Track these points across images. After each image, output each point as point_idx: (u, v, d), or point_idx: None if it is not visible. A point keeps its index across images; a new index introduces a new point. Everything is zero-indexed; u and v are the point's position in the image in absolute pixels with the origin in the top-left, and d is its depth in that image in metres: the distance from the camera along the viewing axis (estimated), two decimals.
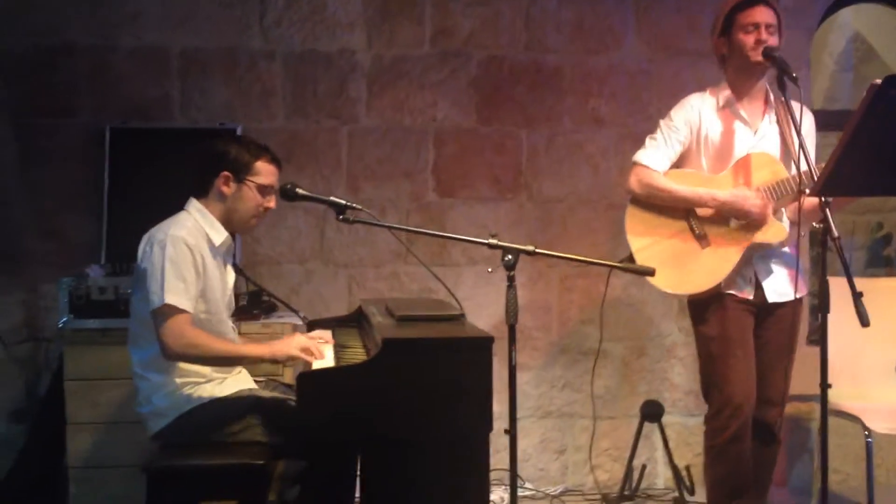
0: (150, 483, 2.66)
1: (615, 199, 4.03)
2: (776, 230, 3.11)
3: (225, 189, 2.87)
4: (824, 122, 3.98)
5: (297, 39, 4.08)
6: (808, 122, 3.17)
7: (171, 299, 2.69)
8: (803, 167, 2.89)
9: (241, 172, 2.86)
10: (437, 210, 4.16)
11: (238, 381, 2.98)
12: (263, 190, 2.90)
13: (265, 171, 2.90)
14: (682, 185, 3.17)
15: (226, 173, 2.86)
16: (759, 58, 3.07)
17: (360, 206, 2.79)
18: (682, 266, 3.17)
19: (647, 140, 3.26)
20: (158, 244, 2.74)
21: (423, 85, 4.14)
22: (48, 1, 3.93)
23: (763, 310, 3.17)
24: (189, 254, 2.75)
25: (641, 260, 3.16)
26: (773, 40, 3.09)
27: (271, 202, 2.93)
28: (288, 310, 3.60)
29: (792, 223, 3.16)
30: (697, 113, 3.22)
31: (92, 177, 3.87)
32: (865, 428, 3.31)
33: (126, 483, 3.27)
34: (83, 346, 3.44)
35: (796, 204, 2.93)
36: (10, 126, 3.93)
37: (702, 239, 3.17)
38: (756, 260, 3.16)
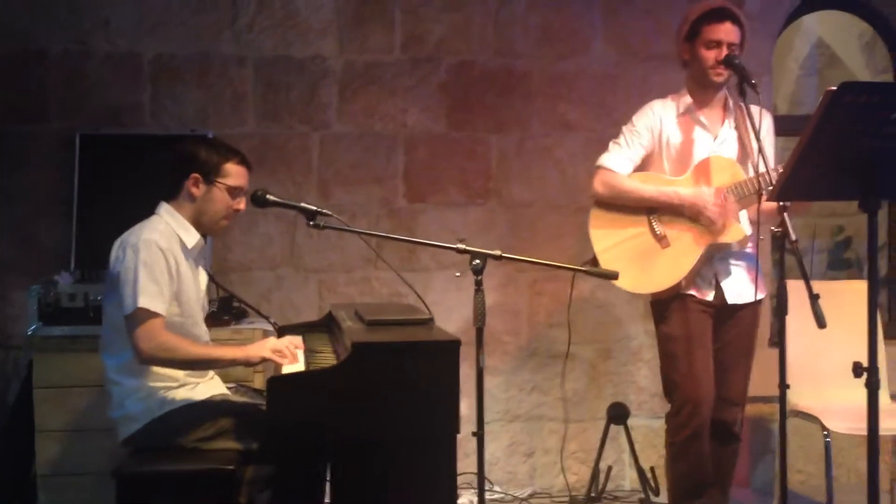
0: (120, 489, 2.66)
1: (584, 203, 4.02)
2: (734, 231, 3.18)
3: (194, 190, 2.88)
4: (789, 126, 4.06)
5: (268, 45, 4.10)
6: (766, 125, 3.24)
7: (144, 303, 2.70)
8: (762, 170, 2.97)
9: (210, 174, 2.88)
10: (407, 215, 4.19)
11: (210, 387, 2.99)
12: (233, 192, 2.91)
13: (235, 173, 2.91)
14: (646, 185, 3.23)
15: (195, 175, 2.87)
16: (717, 79, 3.16)
17: (330, 212, 2.83)
18: (643, 266, 3.23)
19: (611, 144, 3.33)
20: (131, 248, 2.76)
21: (394, 90, 4.18)
22: (20, 6, 3.93)
23: (723, 311, 3.24)
24: (162, 256, 2.76)
25: (604, 261, 3.23)
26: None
27: (241, 204, 2.95)
28: (258, 316, 3.60)
29: (752, 223, 3.23)
30: (659, 118, 3.29)
31: (63, 183, 3.86)
32: (824, 428, 3.38)
33: (95, 490, 3.26)
34: (53, 354, 3.43)
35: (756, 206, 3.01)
36: None
37: (662, 239, 3.23)
38: (716, 261, 3.22)
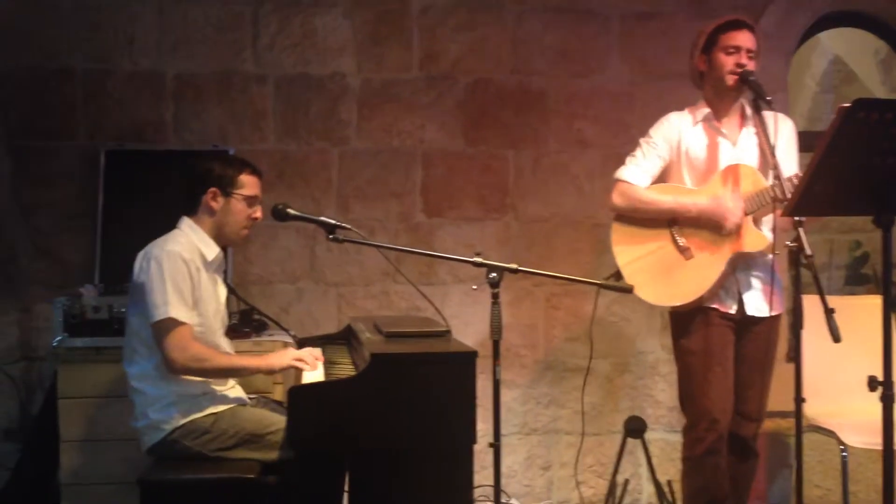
0: (144, 497, 2.72)
1: (599, 219, 4.11)
2: (757, 239, 3.17)
3: (213, 204, 2.98)
4: (806, 143, 4.06)
5: (288, 63, 4.16)
6: (787, 130, 3.25)
7: (174, 313, 2.79)
8: (779, 179, 2.99)
9: (227, 187, 2.99)
10: (425, 230, 4.24)
11: (232, 397, 3.05)
12: (250, 201, 3.03)
13: (249, 183, 3.03)
14: (664, 196, 3.25)
15: (213, 189, 2.98)
16: (733, 83, 3.17)
17: (349, 226, 2.88)
18: (667, 278, 3.23)
19: (628, 158, 3.35)
20: (155, 259, 2.84)
21: (412, 108, 4.23)
22: (46, 25, 4.02)
23: (742, 325, 3.24)
24: (185, 268, 2.86)
25: (628, 274, 3.24)
26: (751, 65, 3.18)
27: (258, 212, 3.07)
28: (278, 328, 3.67)
29: (773, 231, 3.24)
30: (676, 129, 3.30)
31: (87, 198, 3.93)
32: (841, 442, 3.38)
33: (118, 499, 3.31)
34: (77, 365, 3.48)
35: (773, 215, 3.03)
36: (6, 148, 4.00)
37: (685, 251, 3.23)
38: (738, 272, 3.22)
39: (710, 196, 3.19)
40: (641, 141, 3.35)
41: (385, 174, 4.22)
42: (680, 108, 3.44)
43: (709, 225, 3.18)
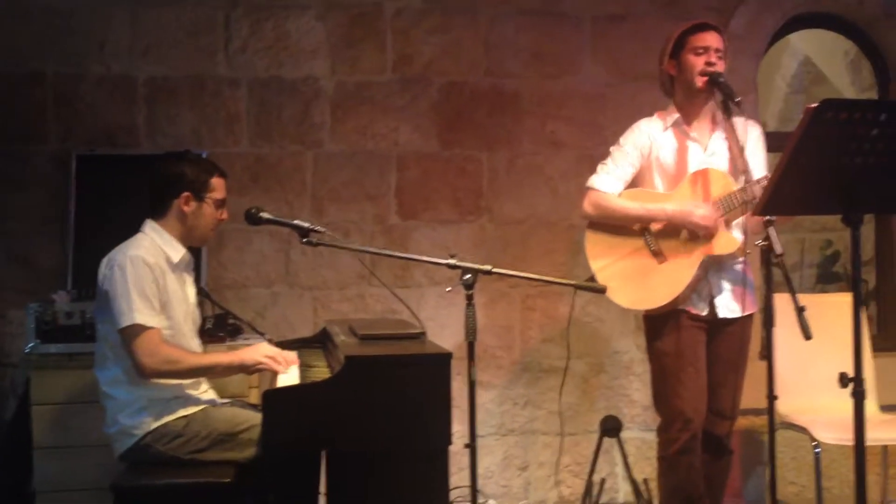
0: (117, 503, 2.70)
1: (574, 219, 4.12)
2: (728, 241, 3.21)
3: (185, 209, 2.98)
4: (778, 143, 4.10)
5: (261, 66, 4.15)
6: (754, 135, 3.30)
7: (140, 319, 2.78)
8: (749, 182, 3.02)
9: (201, 191, 2.99)
10: (400, 232, 4.24)
11: (204, 399, 3.04)
12: (219, 204, 3.04)
13: (219, 187, 3.05)
14: (633, 203, 3.28)
15: (186, 194, 2.97)
16: (703, 85, 3.20)
17: (323, 229, 2.88)
18: (641, 282, 3.26)
19: (599, 166, 3.38)
20: (119, 266, 2.83)
21: (386, 110, 4.23)
22: (16, 29, 3.98)
23: (714, 326, 3.28)
24: (150, 272, 2.85)
25: (602, 279, 3.25)
26: (720, 65, 3.22)
27: (224, 214, 3.09)
28: (253, 332, 3.65)
29: (744, 234, 3.28)
30: (647, 136, 3.33)
31: (59, 203, 3.90)
32: (813, 439, 3.42)
33: None
34: (50, 371, 3.45)
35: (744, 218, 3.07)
36: None
37: (658, 255, 3.26)
38: (710, 275, 3.26)
39: (679, 201, 3.22)
40: (612, 149, 3.38)
41: (359, 177, 4.22)
42: (654, 108, 3.47)
43: (677, 227, 3.21)
